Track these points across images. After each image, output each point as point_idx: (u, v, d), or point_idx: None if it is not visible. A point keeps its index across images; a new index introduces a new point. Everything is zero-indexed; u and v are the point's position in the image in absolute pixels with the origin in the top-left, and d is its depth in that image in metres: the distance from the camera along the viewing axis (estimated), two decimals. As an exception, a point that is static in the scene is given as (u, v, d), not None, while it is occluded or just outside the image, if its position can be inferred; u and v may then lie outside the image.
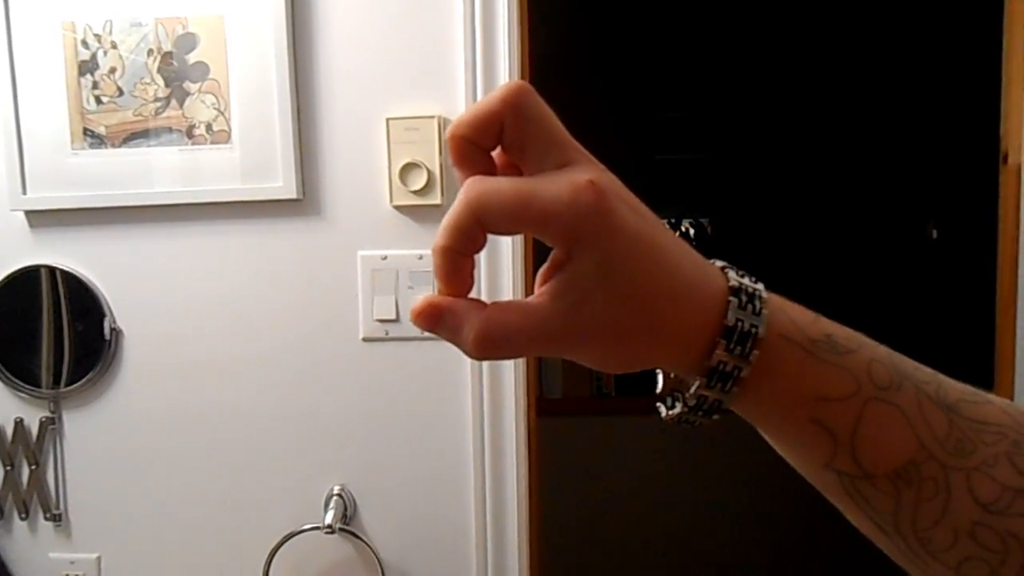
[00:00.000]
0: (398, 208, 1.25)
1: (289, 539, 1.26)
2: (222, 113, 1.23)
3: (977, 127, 2.72)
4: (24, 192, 1.26)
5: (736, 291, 0.36)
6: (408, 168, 1.22)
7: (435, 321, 0.36)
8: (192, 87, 1.23)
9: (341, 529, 1.25)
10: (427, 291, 1.25)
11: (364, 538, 1.28)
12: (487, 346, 0.34)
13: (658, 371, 0.40)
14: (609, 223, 0.33)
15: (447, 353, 1.27)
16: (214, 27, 1.22)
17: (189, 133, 1.24)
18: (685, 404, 0.37)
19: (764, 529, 2.77)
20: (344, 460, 1.30)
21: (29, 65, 1.24)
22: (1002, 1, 1.36)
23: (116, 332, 1.30)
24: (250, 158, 1.24)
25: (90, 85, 1.24)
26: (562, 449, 2.66)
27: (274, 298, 1.28)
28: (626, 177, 0.36)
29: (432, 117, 1.22)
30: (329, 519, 1.24)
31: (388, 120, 1.22)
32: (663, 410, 0.40)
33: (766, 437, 0.40)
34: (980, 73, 2.73)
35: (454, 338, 0.35)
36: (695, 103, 2.91)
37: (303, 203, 1.26)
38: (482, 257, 1.25)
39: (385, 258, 1.26)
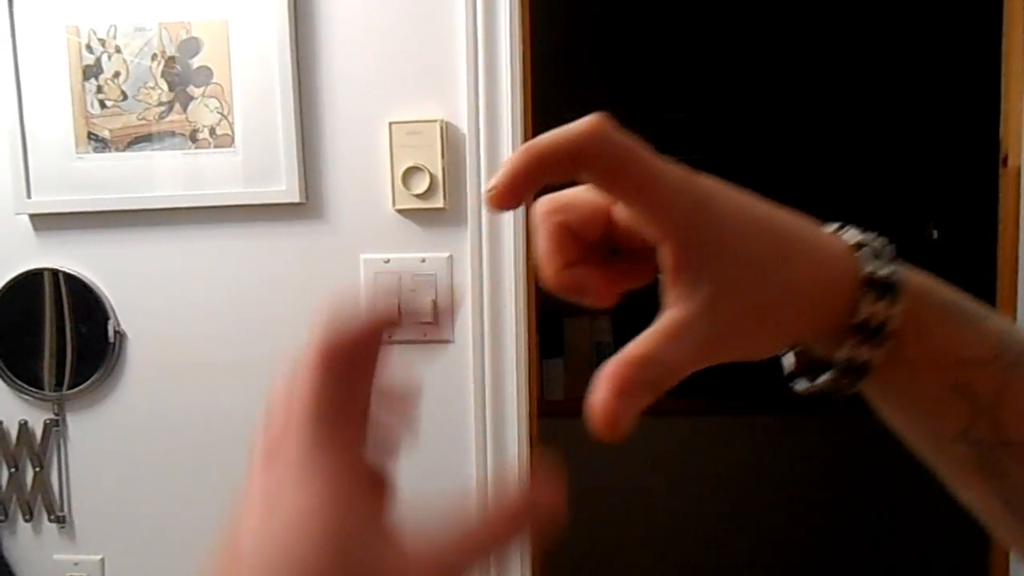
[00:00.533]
0: (401, 212, 1.25)
1: (292, 541, 1.27)
2: (225, 117, 1.24)
3: (977, 129, 2.72)
4: (29, 196, 1.27)
5: (862, 245, 0.35)
6: (411, 172, 1.23)
7: (617, 429, 0.33)
8: (196, 91, 1.24)
9: (344, 531, 1.26)
10: (429, 295, 1.26)
11: (367, 540, 1.29)
12: (656, 390, 0.33)
13: (787, 353, 0.39)
14: (718, 205, 0.33)
15: (450, 355, 1.28)
16: (217, 32, 1.22)
17: (193, 137, 1.25)
18: (832, 370, 0.35)
19: (768, 532, 2.77)
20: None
21: (34, 69, 1.25)
22: (1001, 3, 1.36)
23: (120, 335, 1.30)
24: (253, 162, 1.24)
25: (94, 89, 1.25)
26: (567, 451, 2.66)
27: (277, 301, 1.29)
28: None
29: (434, 121, 1.22)
30: (332, 521, 1.25)
31: (391, 124, 1.23)
32: (803, 384, 0.38)
33: (888, 412, 0.38)
34: (980, 75, 2.73)
35: (647, 398, 0.33)
36: (697, 104, 2.92)
37: (306, 207, 1.27)
38: (485, 270, 1.25)
39: (388, 261, 1.26)
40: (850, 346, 0.34)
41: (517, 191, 0.33)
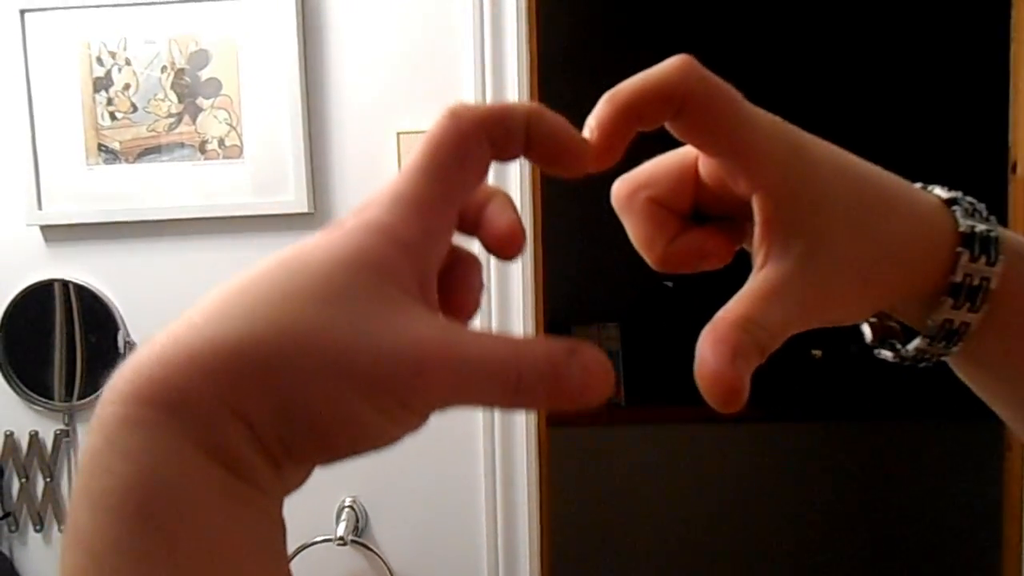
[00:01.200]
0: (408, 221, 1.26)
1: (301, 551, 1.27)
2: (234, 128, 1.25)
3: (986, 136, 2.71)
4: (40, 207, 1.28)
5: (953, 201, 0.33)
6: (418, 181, 1.23)
7: (737, 395, 0.30)
8: (205, 103, 1.24)
9: (353, 541, 1.26)
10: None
11: (376, 550, 1.29)
12: (764, 352, 0.30)
13: (863, 322, 0.37)
14: (814, 155, 0.31)
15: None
16: (227, 44, 1.23)
17: (202, 148, 1.25)
18: (928, 335, 0.33)
19: (776, 539, 2.76)
20: (356, 472, 1.31)
21: (45, 82, 1.26)
22: (1009, 10, 1.36)
23: (130, 345, 1.31)
24: (262, 172, 1.25)
25: (105, 101, 1.26)
26: (573, 459, 2.66)
27: (286, 311, 1.29)
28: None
29: (442, 131, 1.22)
30: (341, 531, 1.25)
31: (399, 134, 1.23)
32: (889, 354, 0.36)
33: (981, 380, 0.36)
34: (989, 83, 2.72)
35: (755, 360, 0.30)
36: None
37: (314, 217, 1.27)
38: (491, 278, 1.25)
39: (396, 271, 1.26)
40: (947, 308, 0.32)
41: (612, 147, 0.30)
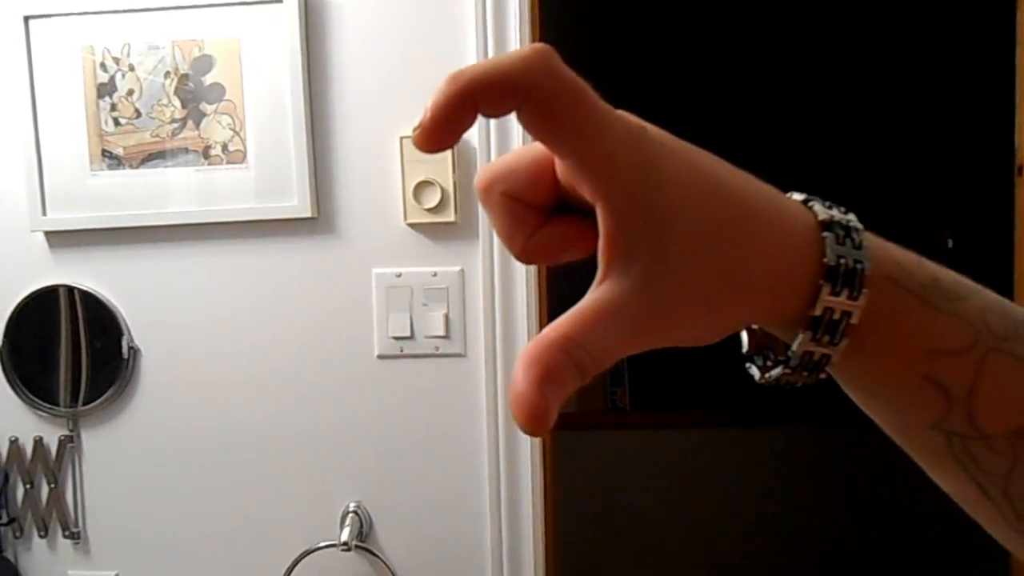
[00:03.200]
0: (412, 226, 1.26)
1: (305, 556, 1.27)
2: (238, 133, 1.25)
3: (992, 138, 2.71)
4: (44, 213, 1.28)
5: (829, 224, 0.31)
6: (422, 186, 1.23)
7: (553, 394, 0.27)
8: (208, 108, 1.25)
9: (357, 546, 1.25)
10: (441, 308, 1.26)
11: (380, 555, 1.28)
12: (586, 374, 0.28)
13: (741, 330, 0.35)
14: (666, 170, 0.29)
15: (462, 369, 1.27)
16: (230, 49, 1.23)
17: (205, 153, 1.25)
18: (786, 364, 0.32)
19: (779, 543, 2.75)
20: (360, 477, 1.30)
21: (49, 88, 1.26)
22: (1014, 12, 1.35)
23: (134, 351, 1.31)
24: (265, 177, 1.25)
25: (108, 107, 1.26)
26: (577, 463, 2.65)
27: (289, 316, 1.29)
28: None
29: (445, 135, 1.22)
30: (345, 536, 1.25)
31: (401, 138, 1.23)
32: (756, 372, 0.35)
33: (857, 397, 0.35)
34: (995, 84, 2.71)
35: (569, 386, 0.28)
36: (707, 115, 2.92)
37: (318, 221, 1.27)
38: (496, 281, 1.25)
39: (399, 275, 1.26)
40: (804, 339, 0.31)
41: (445, 130, 0.28)
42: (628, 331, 0.29)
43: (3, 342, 1.31)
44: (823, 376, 0.32)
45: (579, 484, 2.64)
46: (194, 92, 1.25)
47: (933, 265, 0.33)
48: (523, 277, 1.25)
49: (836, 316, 0.30)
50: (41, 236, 1.31)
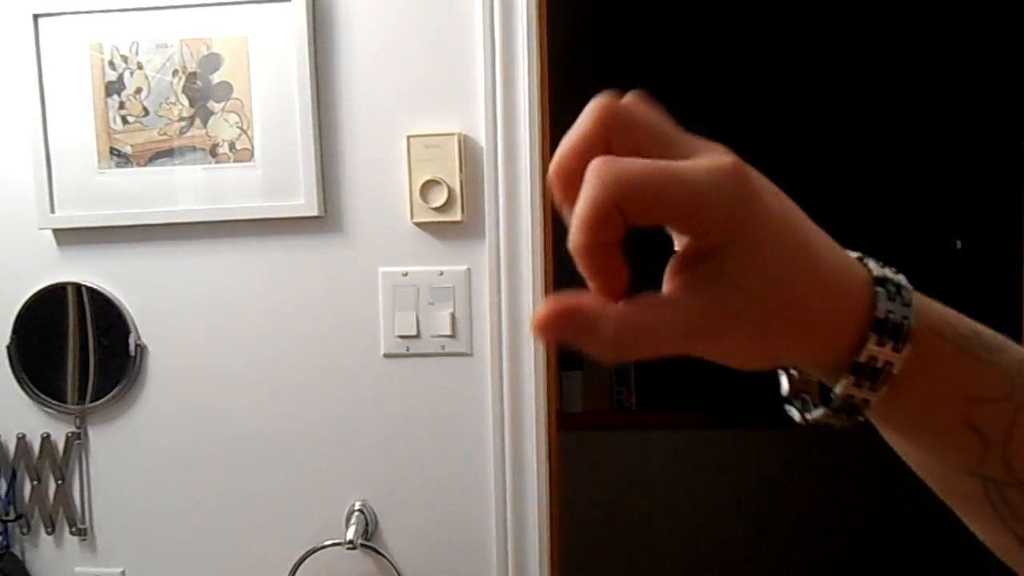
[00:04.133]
0: (419, 225, 1.26)
1: (311, 554, 1.27)
2: (245, 132, 1.25)
3: (1001, 138, 2.69)
4: (52, 211, 1.28)
5: (882, 281, 0.33)
6: (429, 185, 1.23)
7: (564, 326, 0.31)
8: (216, 106, 1.25)
9: (363, 544, 1.26)
10: (448, 307, 1.26)
11: (385, 553, 1.28)
12: (625, 346, 0.31)
13: (781, 372, 0.38)
14: (760, 208, 0.31)
15: (468, 369, 1.27)
16: (238, 48, 1.24)
17: (213, 152, 1.26)
18: (828, 405, 0.34)
19: (786, 543, 2.74)
20: (365, 476, 1.31)
21: (58, 86, 1.27)
22: (1024, 12, 1.35)
23: (141, 348, 1.31)
24: (272, 176, 1.25)
25: (117, 105, 1.26)
26: (583, 463, 2.65)
27: (296, 314, 1.29)
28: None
29: (452, 134, 1.22)
30: (351, 534, 1.25)
31: (409, 137, 1.23)
32: (796, 414, 0.37)
33: (896, 442, 0.37)
34: (1004, 84, 2.70)
35: (588, 342, 0.31)
36: (716, 115, 2.91)
37: (324, 220, 1.27)
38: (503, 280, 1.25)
39: (406, 274, 1.26)
40: (847, 384, 0.33)
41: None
42: (686, 336, 0.31)
43: (11, 339, 1.32)
44: (861, 419, 0.34)
45: (585, 483, 2.64)
46: (202, 90, 1.25)
47: (973, 321, 0.35)
48: (529, 276, 1.25)
49: (879, 364, 0.32)
50: (49, 234, 1.31)
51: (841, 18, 2.83)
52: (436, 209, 1.23)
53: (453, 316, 1.26)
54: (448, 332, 1.26)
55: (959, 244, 2.82)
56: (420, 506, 1.30)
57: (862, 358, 0.32)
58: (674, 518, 2.78)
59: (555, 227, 1.30)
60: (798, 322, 0.32)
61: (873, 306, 0.32)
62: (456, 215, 1.24)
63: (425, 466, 1.30)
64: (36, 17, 1.25)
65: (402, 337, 1.27)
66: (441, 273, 1.26)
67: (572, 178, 0.31)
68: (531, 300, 1.25)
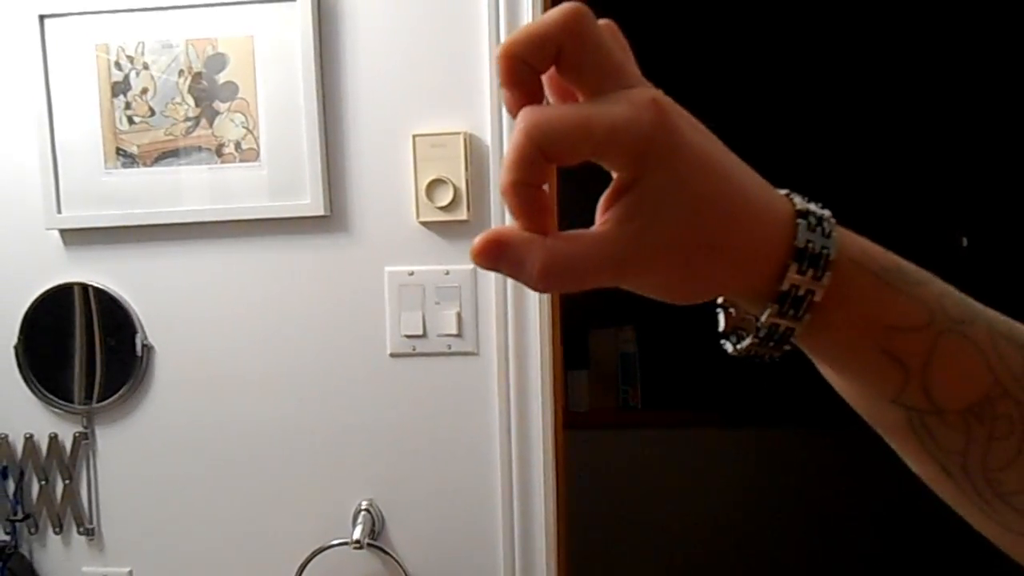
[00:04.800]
0: (425, 224, 1.26)
1: (318, 554, 1.27)
2: (251, 131, 1.25)
3: (1007, 137, 2.68)
4: (59, 211, 1.28)
5: (804, 213, 0.35)
6: (434, 184, 1.23)
7: (496, 256, 0.34)
8: (222, 106, 1.25)
9: (369, 544, 1.26)
10: (454, 307, 1.26)
11: (392, 553, 1.29)
12: (552, 278, 0.33)
13: (719, 310, 0.39)
14: (675, 140, 0.32)
15: (474, 368, 1.27)
16: (243, 47, 1.24)
17: (218, 151, 1.26)
18: (756, 335, 0.36)
19: (793, 543, 2.74)
20: (372, 475, 1.31)
21: (64, 86, 1.27)
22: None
23: (148, 348, 1.32)
24: (278, 176, 1.25)
25: (123, 105, 1.26)
26: (589, 461, 2.65)
27: (302, 314, 1.29)
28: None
29: (458, 133, 1.22)
30: (357, 534, 1.25)
31: (414, 136, 1.23)
32: (729, 346, 0.39)
33: (826, 372, 0.38)
34: (1010, 84, 2.69)
35: (517, 272, 0.34)
36: (722, 115, 2.91)
37: (330, 219, 1.27)
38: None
39: (412, 274, 1.26)
40: (771, 312, 0.35)
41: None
42: (612, 266, 0.33)
43: (18, 340, 1.32)
44: (787, 348, 0.36)
45: (591, 482, 2.64)
46: (207, 90, 1.25)
47: (898, 257, 0.37)
48: (535, 275, 1.24)
49: (801, 293, 0.34)
50: (56, 234, 1.31)
51: (848, 16, 2.82)
52: (442, 208, 1.23)
53: (459, 315, 1.26)
54: (454, 331, 1.26)
55: (965, 242, 2.81)
56: (427, 505, 1.30)
57: (784, 286, 0.34)
58: (681, 516, 2.77)
59: (562, 227, 1.30)
60: (721, 250, 0.34)
61: (794, 236, 0.34)
62: (462, 214, 1.24)
63: (432, 465, 1.30)
64: (42, 18, 1.25)
65: (408, 337, 1.27)
66: (447, 272, 1.26)
67: (518, 65, 0.33)
68: (536, 299, 1.25)
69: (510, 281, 1.24)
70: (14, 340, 1.32)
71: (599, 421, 2.78)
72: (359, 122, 1.26)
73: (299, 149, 1.24)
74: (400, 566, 1.28)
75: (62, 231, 1.31)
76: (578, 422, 2.64)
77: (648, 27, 2.91)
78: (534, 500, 1.28)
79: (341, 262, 1.28)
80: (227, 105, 1.25)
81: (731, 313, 0.39)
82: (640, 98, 0.32)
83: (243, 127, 1.25)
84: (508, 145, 0.33)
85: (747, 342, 0.37)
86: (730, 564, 2.76)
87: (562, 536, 1.32)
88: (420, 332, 1.27)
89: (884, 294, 0.35)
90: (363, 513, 1.29)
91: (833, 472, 2.69)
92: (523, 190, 0.33)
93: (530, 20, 1.22)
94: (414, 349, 1.28)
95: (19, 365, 1.33)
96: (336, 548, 1.27)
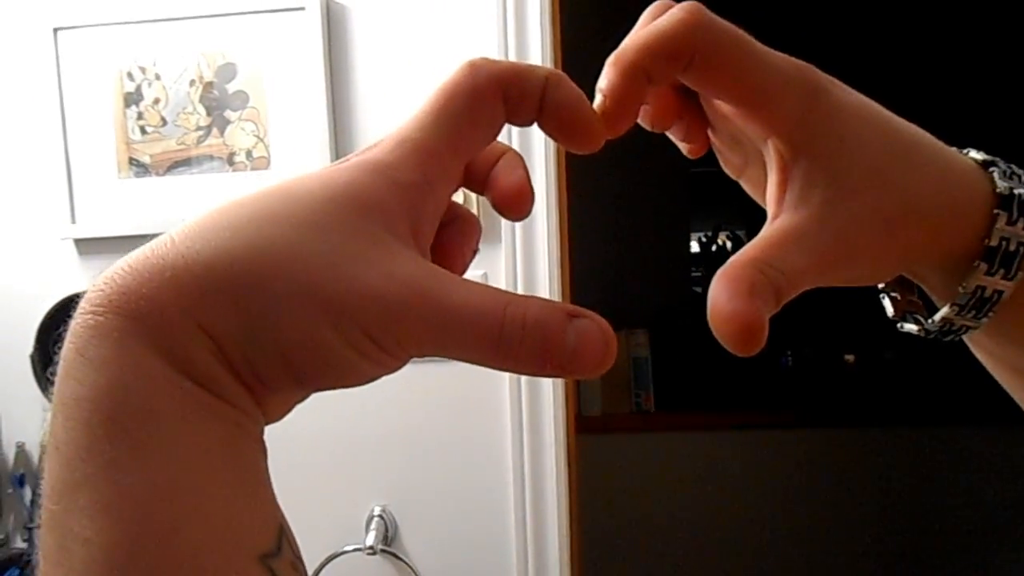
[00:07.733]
0: (435, 229, 1.26)
1: (331, 560, 1.27)
2: (261, 140, 1.26)
3: (1012, 137, 2.67)
4: (73, 221, 1.30)
5: (990, 163, 0.31)
6: (444, 190, 1.23)
7: (751, 333, 0.26)
8: (233, 115, 1.26)
9: (383, 550, 1.26)
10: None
11: (405, 559, 1.29)
12: (782, 301, 0.28)
13: (882, 297, 0.36)
14: (834, 99, 0.29)
15: (486, 372, 1.27)
16: (253, 57, 1.25)
17: (230, 160, 1.27)
18: (955, 303, 0.31)
19: (807, 548, 2.72)
20: (385, 481, 1.31)
21: (77, 98, 1.28)
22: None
23: (162, 356, 1.32)
24: (289, 183, 1.26)
25: (135, 116, 1.28)
26: (602, 466, 2.64)
27: (314, 320, 1.30)
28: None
29: (467, 139, 1.22)
30: (371, 540, 1.25)
31: (424, 143, 1.24)
32: (913, 327, 0.34)
33: (1008, 355, 0.33)
34: (1011, 84, 2.68)
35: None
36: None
37: (342, 226, 1.28)
38: (518, 245, 1.25)
39: (423, 279, 1.26)
40: (980, 273, 0.30)
41: (624, 112, 0.29)
42: (814, 258, 0.28)
43: (34, 348, 1.33)
44: (990, 316, 0.31)
45: (604, 487, 2.63)
46: (219, 100, 1.26)
47: None
48: (546, 280, 1.25)
49: (1012, 247, 0.29)
50: (71, 243, 1.32)
51: (852, 15, 2.82)
52: (452, 214, 1.23)
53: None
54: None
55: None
56: (440, 511, 1.30)
57: (994, 240, 0.29)
58: (694, 520, 2.76)
59: (573, 229, 1.30)
60: (917, 207, 0.29)
61: (994, 185, 0.30)
62: (472, 220, 1.24)
63: (444, 471, 1.30)
64: (56, 31, 1.27)
65: (420, 342, 1.27)
66: (458, 278, 1.26)
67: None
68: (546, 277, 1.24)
69: (520, 286, 1.24)
70: (30, 349, 1.33)
71: (612, 426, 2.77)
72: (368, 128, 1.27)
73: (309, 157, 1.25)
74: (414, 572, 1.28)
75: (76, 240, 1.32)
76: (591, 426, 2.63)
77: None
78: (547, 505, 1.28)
79: (352, 269, 1.29)
80: (238, 114, 1.26)
81: (896, 297, 0.35)
82: (795, 63, 0.29)
83: (254, 136, 1.26)
84: (651, 27, 0.29)
85: (944, 312, 0.31)
86: (745, 567, 2.75)
87: (575, 541, 1.31)
88: (432, 338, 1.27)
89: None
90: (376, 519, 1.29)
91: (852, 475, 2.67)
92: (640, 82, 0.29)
93: (538, 28, 1.22)
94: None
95: (35, 374, 1.34)
96: (350, 554, 1.27)
